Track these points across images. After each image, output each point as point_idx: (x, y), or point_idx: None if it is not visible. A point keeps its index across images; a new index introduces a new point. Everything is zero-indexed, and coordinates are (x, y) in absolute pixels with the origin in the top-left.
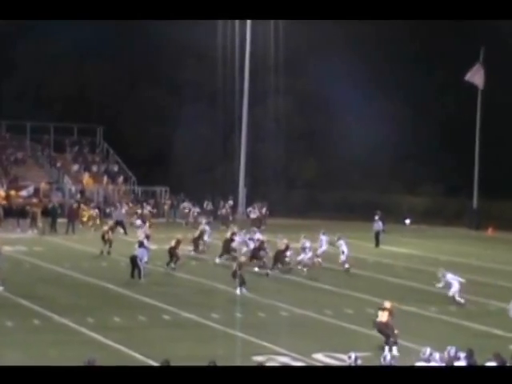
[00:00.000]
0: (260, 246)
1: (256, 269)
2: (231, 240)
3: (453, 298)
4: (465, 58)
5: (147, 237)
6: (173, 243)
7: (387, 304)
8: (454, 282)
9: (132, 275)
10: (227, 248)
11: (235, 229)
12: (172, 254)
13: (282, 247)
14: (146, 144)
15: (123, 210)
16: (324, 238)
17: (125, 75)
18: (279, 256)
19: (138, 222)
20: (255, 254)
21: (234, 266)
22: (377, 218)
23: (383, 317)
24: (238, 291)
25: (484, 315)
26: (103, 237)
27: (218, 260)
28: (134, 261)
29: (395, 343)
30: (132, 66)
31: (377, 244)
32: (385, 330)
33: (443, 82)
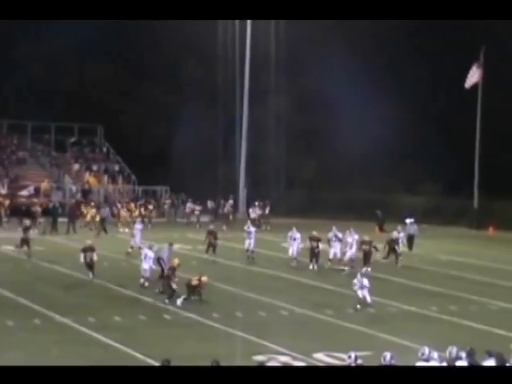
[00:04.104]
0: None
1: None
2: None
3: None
4: (465, 58)
5: None
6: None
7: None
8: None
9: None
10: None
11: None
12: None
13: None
14: (146, 143)
15: (107, 209)
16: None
17: (125, 74)
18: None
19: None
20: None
21: None
22: (412, 220)
23: None
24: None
25: (485, 315)
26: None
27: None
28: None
29: None
30: (132, 66)
31: (410, 247)
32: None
33: (443, 80)
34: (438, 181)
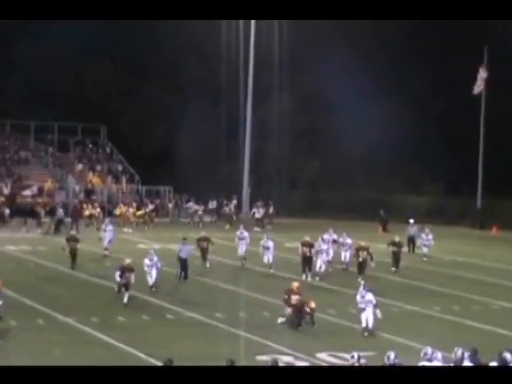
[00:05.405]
0: None
1: None
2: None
3: None
4: (466, 58)
5: None
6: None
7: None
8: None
9: (183, 277)
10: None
11: None
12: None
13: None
14: (149, 143)
15: (61, 210)
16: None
17: (128, 74)
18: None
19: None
20: None
21: None
22: (413, 221)
23: None
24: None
25: (488, 314)
26: None
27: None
28: (184, 262)
29: None
30: (136, 65)
31: (413, 250)
32: None
33: (444, 80)
34: (440, 181)
